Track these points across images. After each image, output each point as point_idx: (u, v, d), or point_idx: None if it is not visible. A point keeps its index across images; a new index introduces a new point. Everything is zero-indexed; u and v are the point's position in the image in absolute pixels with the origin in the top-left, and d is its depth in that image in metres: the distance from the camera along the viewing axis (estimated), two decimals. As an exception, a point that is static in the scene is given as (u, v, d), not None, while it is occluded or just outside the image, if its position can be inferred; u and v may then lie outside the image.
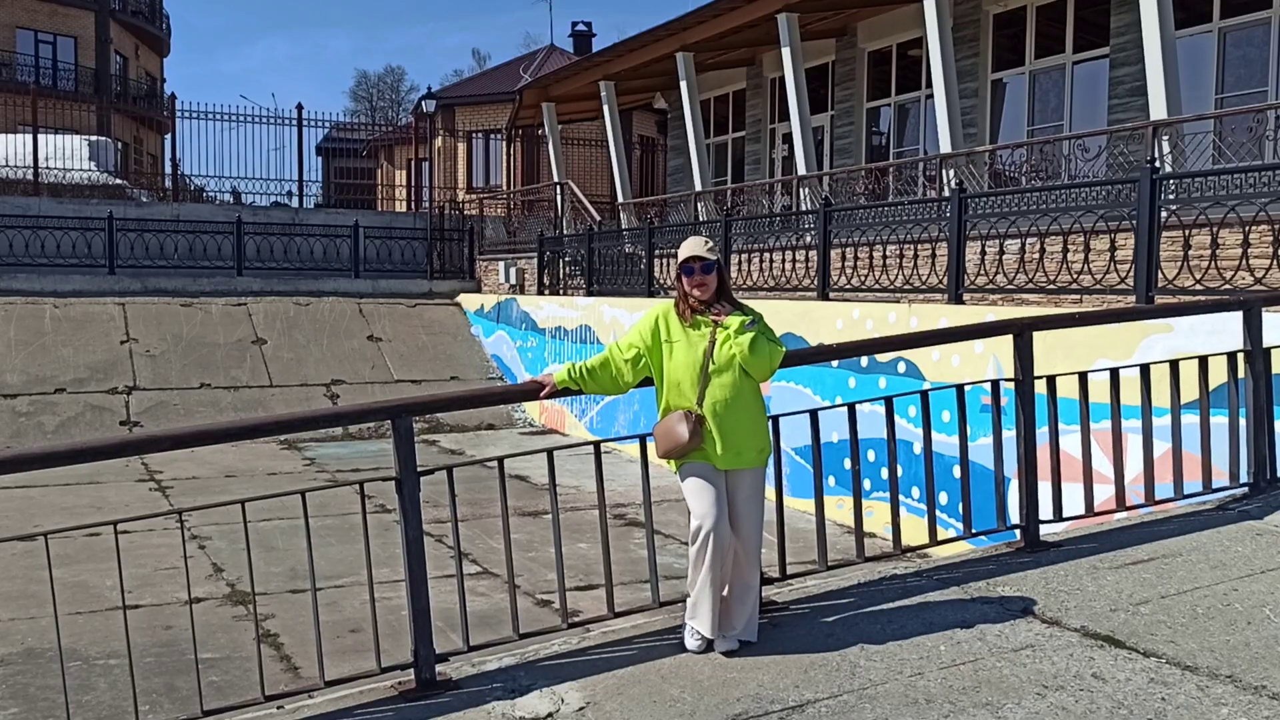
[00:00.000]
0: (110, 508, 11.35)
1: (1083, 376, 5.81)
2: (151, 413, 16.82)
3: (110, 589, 8.18)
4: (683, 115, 20.59)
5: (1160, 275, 8.64)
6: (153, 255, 21.25)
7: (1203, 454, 6.02)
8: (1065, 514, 5.65)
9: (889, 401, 5.33)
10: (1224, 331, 6.82)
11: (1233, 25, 13.41)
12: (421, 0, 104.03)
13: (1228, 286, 8.07)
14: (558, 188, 23.32)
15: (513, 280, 21.20)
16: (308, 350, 19.30)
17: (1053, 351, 6.98)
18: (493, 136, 30.03)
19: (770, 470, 4.61)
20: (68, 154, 23.59)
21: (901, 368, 10.26)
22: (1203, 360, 6.07)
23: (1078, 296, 9.48)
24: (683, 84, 19.72)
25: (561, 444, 6.12)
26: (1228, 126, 11.65)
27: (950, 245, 10.49)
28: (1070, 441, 6.01)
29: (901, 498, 5.50)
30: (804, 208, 16.53)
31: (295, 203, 25.38)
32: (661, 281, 15.96)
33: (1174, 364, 6.04)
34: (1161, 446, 6.01)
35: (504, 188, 28.36)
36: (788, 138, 19.59)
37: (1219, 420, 6.13)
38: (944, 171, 14.22)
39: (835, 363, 10.88)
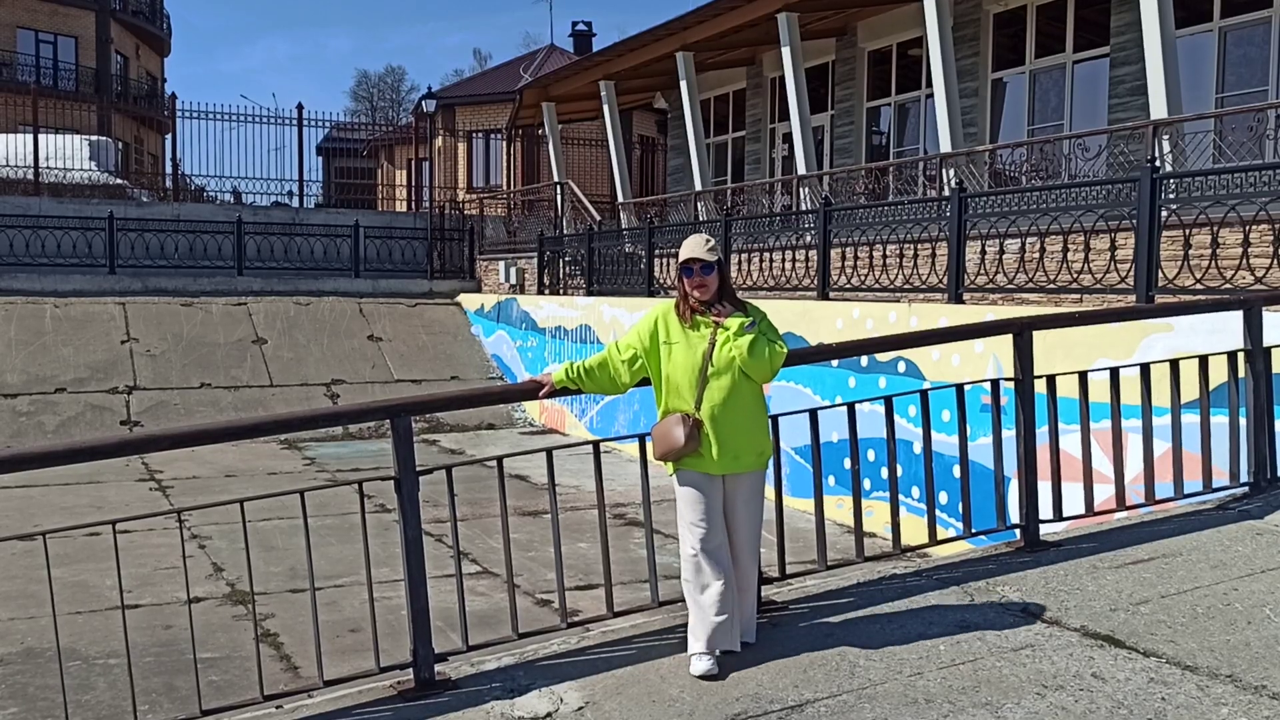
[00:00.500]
0: (110, 507, 11.35)
1: (1083, 376, 5.80)
2: (152, 412, 16.82)
3: (110, 588, 8.18)
4: (683, 115, 20.59)
5: (1160, 274, 8.63)
6: (153, 255, 21.26)
7: (1203, 453, 6.02)
8: (1065, 513, 5.65)
9: (889, 401, 5.33)
10: (1224, 331, 6.81)
11: (1233, 24, 13.40)
12: (421, 0, 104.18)
13: (1228, 286, 8.07)
14: (558, 187, 23.32)
15: (513, 280, 21.20)
16: (308, 350, 19.30)
17: (1053, 351, 6.97)
18: (493, 136, 30.03)
19: (770, 470, 4.60)
20: (68, 154, 23.58)
21: (901, 367, 10.26)
22: (1203, 360, 6.06)
23: (1078, 296, 9.47)
24: (683, 84, 19.72)
25: (561, 443, 6.11)
26: (1228, 126, 11.64)
27: (950, 245, 10.48)
28: (1070, 441, 6.00)
29: (901, 497, 5.49)
30: (804, 207, 16.53)
31: (295, 202, 25.40)
32: (661, 281, 15.96)
33: (1174, 363, 6.03)
34: (1161, 446, 6.01)
35: (504, 187, 28.35)
36: (788, 137, 19.58)
37: (1219, 420, 6.13)
38: (944, 171, 14.22)
39: (835, 362, 10.88)
